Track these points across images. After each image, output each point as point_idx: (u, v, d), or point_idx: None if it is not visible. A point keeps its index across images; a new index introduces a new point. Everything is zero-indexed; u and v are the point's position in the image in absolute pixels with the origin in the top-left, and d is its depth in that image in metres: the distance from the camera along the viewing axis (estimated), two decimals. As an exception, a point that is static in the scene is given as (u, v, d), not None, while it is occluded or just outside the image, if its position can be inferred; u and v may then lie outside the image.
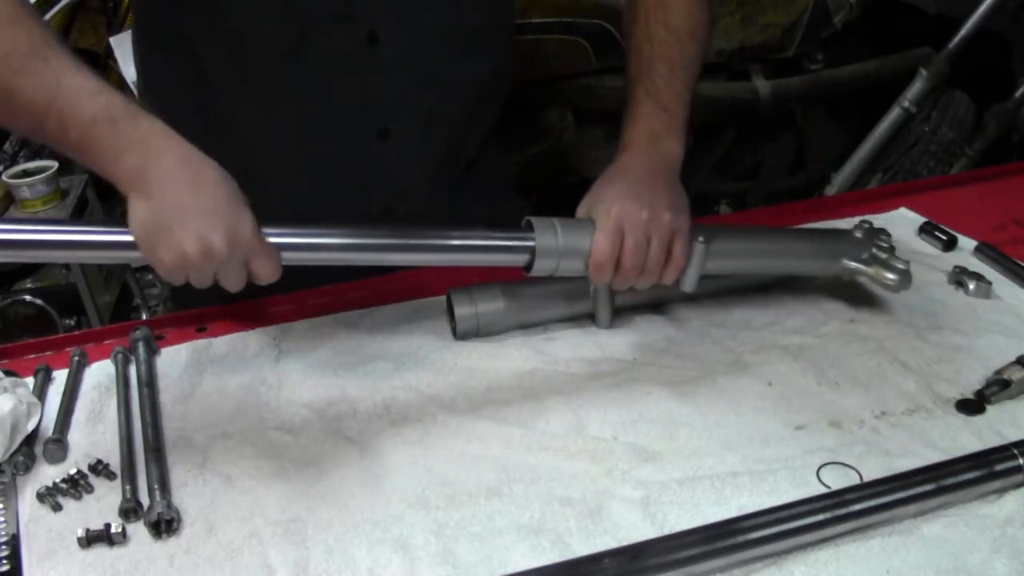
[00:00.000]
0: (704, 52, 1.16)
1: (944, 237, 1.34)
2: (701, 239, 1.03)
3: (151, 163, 0.87)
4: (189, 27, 1.12)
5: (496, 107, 1.31)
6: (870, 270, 1.14)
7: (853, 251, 1.15)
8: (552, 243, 0.99)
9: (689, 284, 1.05)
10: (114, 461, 0.93)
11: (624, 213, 0.99)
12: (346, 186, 1.19)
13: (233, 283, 0.91)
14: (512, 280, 1.16)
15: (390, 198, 1.23)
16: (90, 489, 0.90)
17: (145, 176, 0.87)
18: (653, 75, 1.10)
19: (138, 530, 0.85)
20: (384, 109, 1.16)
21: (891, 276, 1.12)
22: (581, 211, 1.04)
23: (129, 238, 0.88)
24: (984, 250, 1.30)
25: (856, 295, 1.22)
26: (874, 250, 1.15)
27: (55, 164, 2.37)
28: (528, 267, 1.01)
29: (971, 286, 1.21)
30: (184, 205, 0.86)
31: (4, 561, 0.82)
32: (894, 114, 2.69)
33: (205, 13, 1.09)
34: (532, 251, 1.00)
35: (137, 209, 0.87)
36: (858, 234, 1.17)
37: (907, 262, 1.12)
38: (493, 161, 1.37)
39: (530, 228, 1.00)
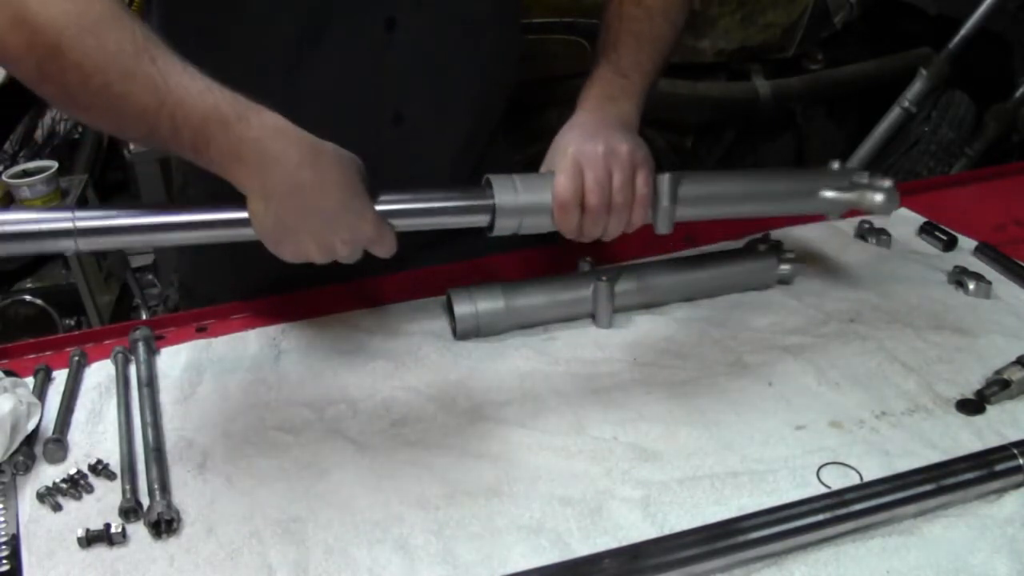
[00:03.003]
0: (676, 34, 1.15)
1: (944, 237, 1.34)
2: (668, 174, 1.02)
3: (268, 168, 0.86)
4: (207, 17, 1.12)
5: (502, 98, 1.32)
6: (852, 195, 1.09)
7: (831, 183, 1.11)
8: (512, 200, 0.98)
9: (663, 224, 1.03)
10: (114, 461, 0.93)
11: (581, 152, 0.99)
12: None
13: (350, 261, 0.95)
14: (512, 280, 1.16)
15: (404, 186, 1.23)
16: (90, 489, 0.90)
17: (263, 181, 0.87)
18: (618, 46, 1.10)
19: (138, 530, 0.85)
20: (398, 94, 1.17)
21: (878, 197, 1.07)
22: (541, 171, 1.04)
23: (89, 218, 0.87)
24: (984, 250, 1.30)
25: (856, 295, 1.22)
26: (853, 178, 1.11)
27: (55, 164, 2.38)
28: (490, 227, 1.00)
29: (971, 286, 1.21)
30: (305, 210, 0.87)
31: (4, 561, 0.82)
32: (894, 114, 2.69)
33: (224, 2, 1.09)
34: (492, 209, 0.98)
35: (258, 211, 0.88)
36: (834, 166, 1.14)
37: (892, 180, 1.07)
38: (501, 160, 1.38)
39: (489, 186, 0.99)
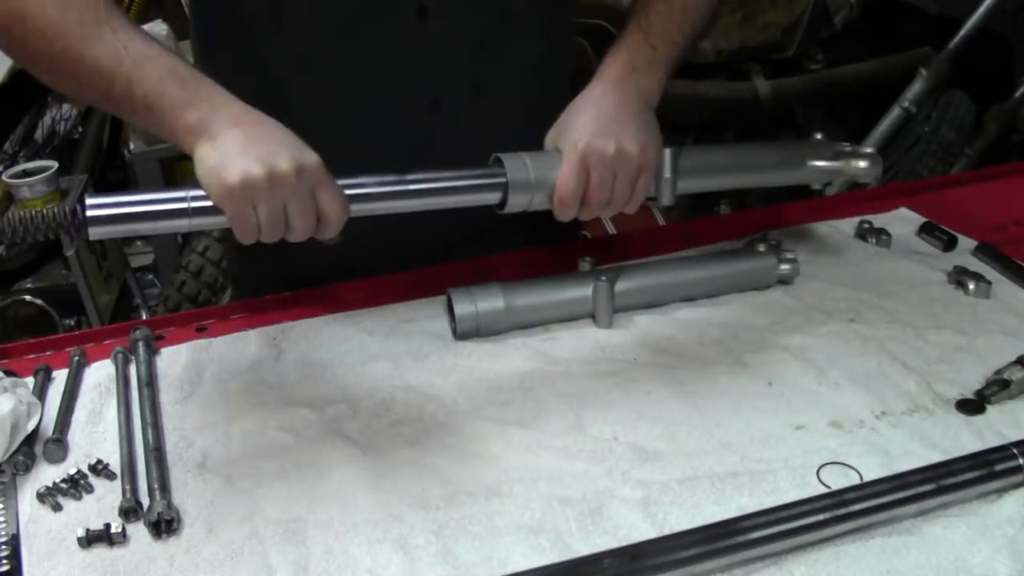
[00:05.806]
0: (711, 8, 1.15)
1: (944, 237, 1.34)
2: (668, 151, 1.04)
3: (217, 112, 0.91)
4: (247, 9, 1.13)
5: (548, 94, 1.29)
6: (838, 163, 1.15)
7: (816, 153, 1.16)
8: (524, 177, 1.00)
9: (665, 196, 1.06)
10: (114, 461, 0.93)
11: (590, 149, 0.99)
12: (398, 162, 1.19)
13: (302, 220, 0.91)
14: (512, 280, 1.16)
15: None
16: (90, 489, 0.90)
17: (211, 122, 0.90)
18: (649, 12, 1.10)
19: (138, 530, 0.85)
20: (434, 81, 1.17)
21: (862, 164, 1.13)
22: (548, 141, 1.05)
23: (203, 198, 0.90)
24: (984, 250, 1.30)
25: (856, 295, 1.22)
26: (837, 147, 1.16)
27: (55, 164, 2.38)
28: (502, 203, 1.01)
29: (971, 286, 1.21)
30: (250, 138, 0.90)
31: (4, 561, 0.82)
32: (894, 114, 2.69)
33: None
34: (505, 187, 1.00)
35: (203, 153, 0.90)
36: (818, 136, 1.19)
37: (874, 149, 1.14)
38: None
39: (500, 164, 1.00)
